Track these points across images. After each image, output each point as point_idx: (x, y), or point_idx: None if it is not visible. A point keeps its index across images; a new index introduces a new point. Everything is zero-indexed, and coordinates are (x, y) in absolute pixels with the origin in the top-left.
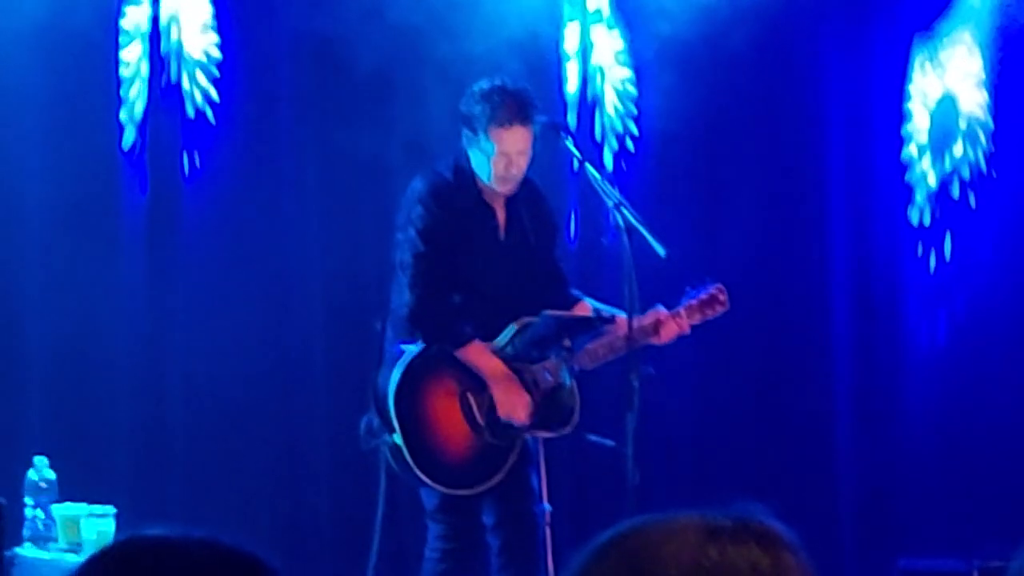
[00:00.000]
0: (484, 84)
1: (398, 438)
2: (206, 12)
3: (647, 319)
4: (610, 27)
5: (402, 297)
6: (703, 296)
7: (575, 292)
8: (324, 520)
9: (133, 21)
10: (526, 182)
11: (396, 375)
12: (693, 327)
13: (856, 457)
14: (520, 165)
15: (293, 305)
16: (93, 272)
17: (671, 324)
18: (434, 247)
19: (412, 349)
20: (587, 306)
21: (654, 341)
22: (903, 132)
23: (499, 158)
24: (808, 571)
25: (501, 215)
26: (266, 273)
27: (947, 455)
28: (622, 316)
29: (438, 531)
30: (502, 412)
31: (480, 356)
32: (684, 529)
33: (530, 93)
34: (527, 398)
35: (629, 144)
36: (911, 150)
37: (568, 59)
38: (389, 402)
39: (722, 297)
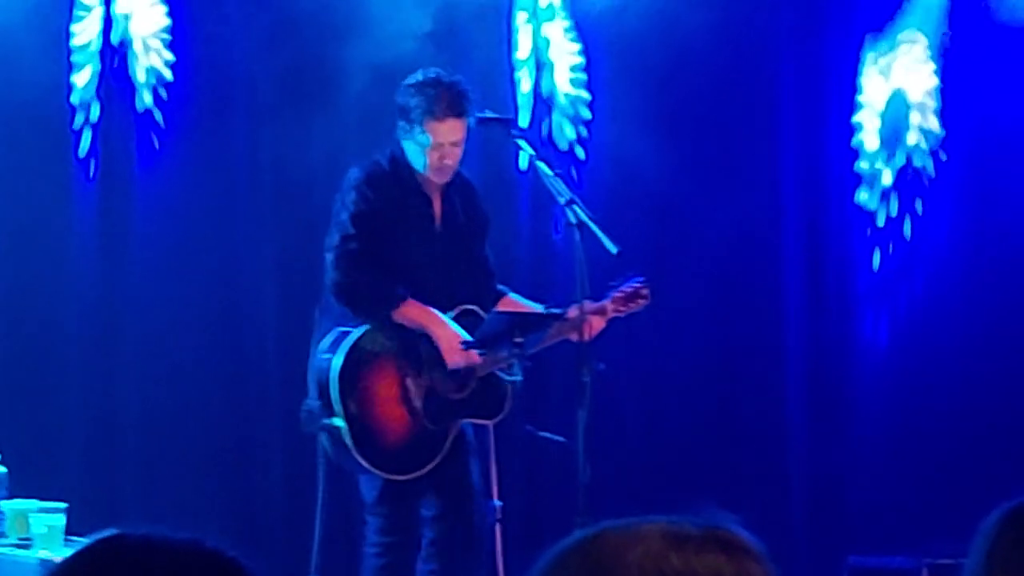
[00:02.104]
0: (419, 76)
1: (339, 421)
2: (157, 4)
3: (571, 312)
4: (562, 23)
5: (330, 277)
6: (627, 289)
7: (500, 287)
8: (277, 513)
9: (85, 17)
10: (459, 176)
11: (339, 359)
12: (648, 324)
13: (807, 454)
14: (455, 156)
15: (245, 297)
16: (44, 265)
17: (593, 321)
18: (364, 231)
19: (355, 333)
20: (512, 301)
21: (574, 337)
22: (855, 129)
23: (434, 150)
24: None
25: (437, 205)
26: (218, 264)
27: (897, 452)
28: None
29: (377, 524)
30: (448, 360)
31: (418, 311)
32: (647, 536)
33: (465, 85)
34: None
35: (580, 141)
36: (862, 148)
37: (520, 55)
38: (332, 385)
39: (644, 291)
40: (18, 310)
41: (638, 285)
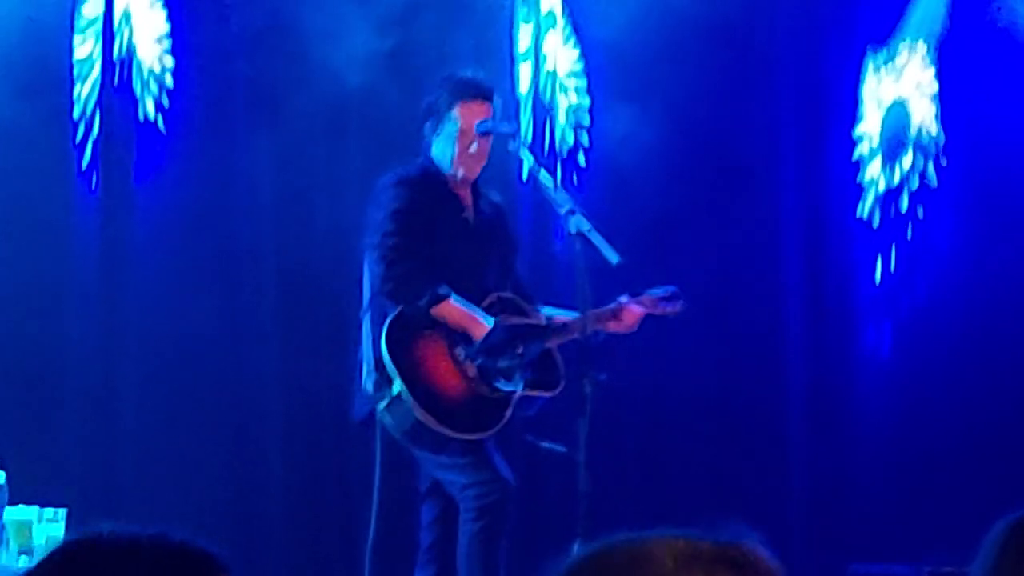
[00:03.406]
0: (443, 75)
1: (398, 385)
2: (159, 16)
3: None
4: (563, 34)
5: (375, 275)
6: (667, 291)
7: (537, 306)
8: (277, 517)
9: (86, 23)
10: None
11: (383, 331)
12: (649, 334)
13: (807, 462)
14: (482, 149)
15: (246, 309)
16: (44, 274)
17: (632, 308)
18: (402, 227)
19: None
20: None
21: (612, 327)
22: (855, 141)
23: (463, 135)
24: None
25: (469, 204)
26: (218, 277)
27: (898, 460)
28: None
29: (472, 494)
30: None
31: (459, 312)
32: (656, 553)
33: (485, 79)
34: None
35: (581, 151)
36: (863, 159)
37: (521, 65)
38: (383, 353)
39: (679, 300)
40: (17, 321)
41: (676, 291)
